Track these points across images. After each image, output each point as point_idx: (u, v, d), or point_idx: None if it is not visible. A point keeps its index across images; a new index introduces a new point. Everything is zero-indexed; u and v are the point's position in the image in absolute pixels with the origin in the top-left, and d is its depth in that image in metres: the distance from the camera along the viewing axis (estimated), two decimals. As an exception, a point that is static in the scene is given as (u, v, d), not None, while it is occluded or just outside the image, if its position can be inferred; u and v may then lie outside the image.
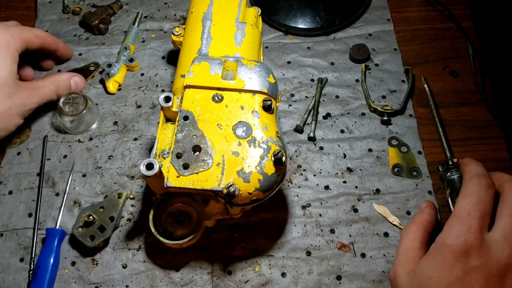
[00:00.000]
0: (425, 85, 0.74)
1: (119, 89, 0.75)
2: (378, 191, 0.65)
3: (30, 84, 0.66)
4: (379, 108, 0.71)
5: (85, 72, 0.76)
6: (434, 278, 0.43)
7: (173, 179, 0.50)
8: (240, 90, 0.52)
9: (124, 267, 0.60)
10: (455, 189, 0.63)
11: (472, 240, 0.43)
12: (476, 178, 0.48)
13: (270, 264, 0.60)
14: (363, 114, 0.72)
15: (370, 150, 0.69)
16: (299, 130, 0.70)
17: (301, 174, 0.66)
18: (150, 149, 0.68)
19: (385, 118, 0.71)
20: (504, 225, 0.45)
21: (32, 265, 0.60)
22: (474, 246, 0.43)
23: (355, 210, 0.64)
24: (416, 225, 0.51)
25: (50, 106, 0.70)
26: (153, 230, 0.56)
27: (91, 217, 0.60)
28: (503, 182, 0.49)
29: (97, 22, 0.80)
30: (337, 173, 0.67)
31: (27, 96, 0.64)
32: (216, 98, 0.52)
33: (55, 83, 0.68)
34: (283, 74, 0.76)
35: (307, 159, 0.68)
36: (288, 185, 0.66)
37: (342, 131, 0.70)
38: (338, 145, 0.69)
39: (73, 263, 0.61)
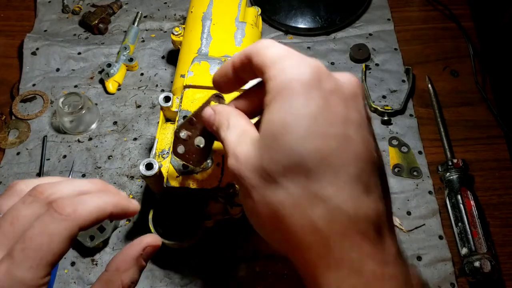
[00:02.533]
0: (429, 85, 0.74)
1: (118, 89, 0.75)
2: (378, 191, 0.65)
3: None
4: (379, 108, 0.71)
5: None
6: (291, 119, 0.32)
7: (173, 179, 0.49)
8: (240, 90, 0.52)
9: (124, 267, 0.60)
10: (454, 189, 0.63)
11: (317, 63, 0.34)
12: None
13: (270, 264, 0.60)
14: (363, 114, 0.72)
15: (370, 150, 0.68)
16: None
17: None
18: (150, 149, 0.68)
19: (385, 118, 0.70)
20: None
21: (31, 266, 0.59)
22: (322, 68, 0.34)
23: (356, 210, 0.63)
24: (226, 112, 0.39)
25: (50, 107, 0.70)
26: (152, 230, 0.56)
27: (90, 218, 0.60)
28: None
29: (96, 21, 0.80)
30: (337, 173, 0.66)
31: None
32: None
33: (120, 279, 0.37)
34: (283, 74, 0.76)
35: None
36: (288, 185, 0.65)
37: (342, 131, 0.70)
38: (338, 145, 0.69)
39: (73, 264, 0.60)
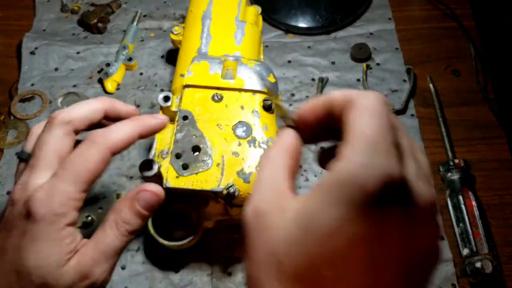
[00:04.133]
0: (430, 85, 0.73)
1: (117, 89, 0.74)
2: (379, 191, 0.65)
3: (85, 251, 0.41)
4: (380, 108, 0.70)
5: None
6: (337, 229, 0.26)
7: (173, 179, 0.49)
8: (240, 90, 0.52)
9: (123, 268, 0.60)
10: (455, 189, 0.62)
11: (397, 175, 0.26)
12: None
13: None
14: (364, 114, 0.71)
15: (371, 150, 0.68)
16: (299, 130, 0.69)
17: (302, 174, 0.66)
18: (149, 149, 0.68)
19: (386, 118, 0.70)
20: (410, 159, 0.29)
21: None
22: (395, 182, 0.26)
23: (356, 211, 0.63)
24: (278, 150, 0.34)
25: (48, 107, 0.70)
26: (152, 231, 0.56)
27: (89, 218, 0.60)
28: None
29: (95, 21, 0.79)
30: (338, 174, 0.66)
31: (84, 274, 0.41)
32: (216, 98, 0.51)
33: (113, 222, 0.43)
34: (284, 74, 0.75)
35: (307, 160, 0.67)
36: (289, 186, 0.65)
37: (343, 131, 0.70)
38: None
39: (71, 264, 0.60)
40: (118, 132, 0.43)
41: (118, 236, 0.42)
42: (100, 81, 0.75)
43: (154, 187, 0.43)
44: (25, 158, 0.44)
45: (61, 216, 0.40)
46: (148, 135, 0.45)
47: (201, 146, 0.49)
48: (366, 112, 0.28)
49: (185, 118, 0.50)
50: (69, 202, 0.40)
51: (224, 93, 0.52)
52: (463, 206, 0.61)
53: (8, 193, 0.65)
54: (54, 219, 0.39)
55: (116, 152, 0.43)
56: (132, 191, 0.43)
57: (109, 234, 0.42)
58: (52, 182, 0.41)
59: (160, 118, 0.45)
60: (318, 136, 0.35)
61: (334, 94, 0.31)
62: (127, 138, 0.43)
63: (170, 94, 0.54)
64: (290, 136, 0.35)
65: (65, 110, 0.44)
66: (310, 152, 0.67)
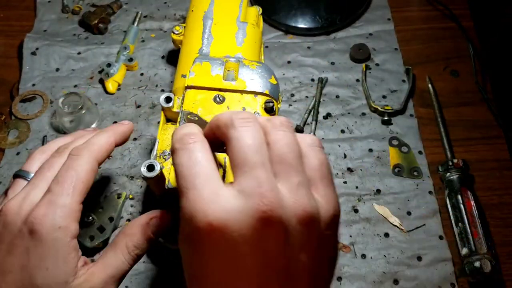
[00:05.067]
0: (429, 85, 0.74)
1: (118, 89, 0.75)
2: (378, 191, 0.65)
3: (94, 271, 0.42)
4: (379, 108, 0.71)
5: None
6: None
7: (174, 180, 0.49)
8: (241, 91, 0.52)
9: (125, 268, 0.60)
10: (454, 189, 0.63)
11: (207, 219, 0.31)
12: (177, 142, 0.36)
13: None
14: (363, 114, 0.72)
15: (370, 150, 0.68)
16: (299, 130, 0.70)
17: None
18: (150, 149, 0.68)
19: (385, 118, 0.70)
20: (238, 178, 0.33)
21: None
22: (211, 225, 0.30)
23: (356, 211, 0.64)
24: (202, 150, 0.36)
25: (49, 107, 0.70)
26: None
27: (90, 218, 0.60)
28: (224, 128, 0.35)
29: (96, 21, 0.79)
30: (337, 174, 0.66)
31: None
32: (218, 99, 0.51)
33: (125, 247, 0.44)
34: (283, 74, 0.76)
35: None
36: (289, 186, 0.65)
37: (342, 131, 0.70)
38: (339, 145, 0.69)
39: (73, 264, 0.60)
40: (99, 143, 0.46)
41: (128, 260, 0.44)
42: (101, 82, 0.75)
43: (161, 214, 0.46)
44: (24, 176, 0.46)
45: (64, 230, 0.41)
46: (122, 142, 0.49)
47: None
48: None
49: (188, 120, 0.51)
50: (71, 215, 0.42)
51: (226, 94, 0.52)
52: (462, 206, 0.61)
53: (10, 193, 0.65)
54: (59, 234, 0.40)
55: (101, 161, 0.46)
56: (143, 216, 0.45)
57: (120, 258, 0.43)
58: (49, 197, 0.42)
59: (125, 123, 0.50)
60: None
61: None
62: (107, 146, 0.47)
63: (171, 95, 0.54)
64: (200, 133, 0.37)
65: (91, 146, 0.46)
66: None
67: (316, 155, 0.36)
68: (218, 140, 0.36)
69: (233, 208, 0.31)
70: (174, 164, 0.35)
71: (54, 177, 0.43)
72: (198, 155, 0.34)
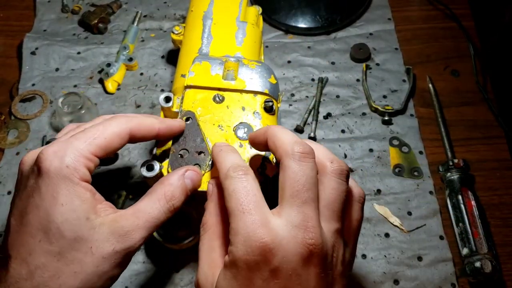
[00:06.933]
0: (430, 85, 0.74)
1: (118, 89, 0.75)
2: (379, 191, 0.65)
3: (123, 214, 0.41)
4: (380, 108, 0.71)
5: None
6: None
7: None
8: (241, 91, 0.52)
9: (124, 268, 0.60)
10: (455, 189, 0.63)
11: (263, 241, 0.35)
12: (232, 171, 0.39)
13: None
14: (364, 114, 0.72)
15: (371, 150, 0.68)
16: (299, 130, 0.70)
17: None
18: (149, 149, 0.68)
19: (386, 118, 0.70)
20: (288, 207, 0.37)
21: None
22: (266, 246, 0.35)
23: (356, 211, 0.63)
24: (212, 218, 0.42)
25: (49, 107, 0.70)
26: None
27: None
28: (278, 148, 0.40)
29: (96, 21, 0.79)
30: (338, 174, 0.66)
31: (122, 233, 0.40)
32: (217, 99, 0.51)
33: (163, 195, 0.43)
34: (284, 74, 0.76)
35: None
36: (289, 186, 0.65)
37: (342, 131, 0.70)
38: (339, 145, 0.69)
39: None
40: (141, 118, 0.46)
41: (164, 209, 0.43)
42: (101, 81, 0.75)
43: (195, 168, 0.46)
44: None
45: (72, 170, 0.40)
46: (166, 135, 0.48)
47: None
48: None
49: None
50: (80, 158, 0.40)
51: (225, 94, 0.52)
52: (462, 206, 0.61)
53: (9, 193, 0.65)
54: (67, 172, 0.39)
55: (133, 136, 0.45)
56: (179, 169, 0.45)
57: (157, 206, 0.42)
58: (65, 138, 0.42)
59: (177, 120, 0.49)
60: None
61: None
62: (148, 126, 0.46)
63: (171, 95, 0.54)
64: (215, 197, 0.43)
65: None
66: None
67: (359, 213, 0.42)
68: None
69: (284, 235, 0.35)
70: (227, 188, 0.38)
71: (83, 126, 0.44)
72: (253, 185, 0.38)
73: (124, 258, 0.40)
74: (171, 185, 0.43)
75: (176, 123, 0.48)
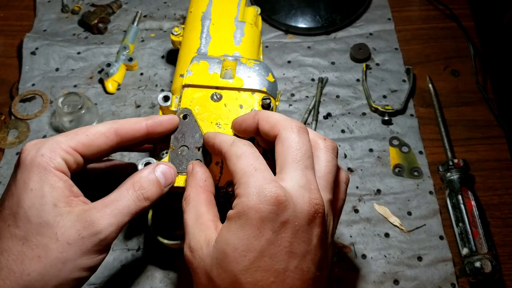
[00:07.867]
0: (430, 85, 0.74)
1: (118, 89, 0.75)
2: (379, 191, 0.65)
3: (92, 205, 0.42)
4: (380, 108, 0.71)
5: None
6: (241, 248, 0.36)
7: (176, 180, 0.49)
8: (239, 89, 0.52)
9: (124, 267, 0.60)
10: (455, 189, 0.63)
11: (277, 192, 0.36)
12: (238, 141, 0.42)
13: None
14: (364, 114, 0.71)
15: (371, 150, 0.68)
16: (299, 130, 0.70)
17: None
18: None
19: (386, 118, 0.70)
20: (292, 171, 0.39)
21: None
22: (280, 197, 0.36)
23: (356, 211, 0.63)
24: (193, 189, 0.44)
25: (49, 107, 0.70)
26: (152, 230, 0.56)
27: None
28: (274, 124, 0.42)
29: (96, 21, 0.79)
30: (337, 173, 0.66)
31: (89, 220, 0.40)
32: (215, 97, 0.51)
33: (131, 185, 0.44)
34: (284, 74, 0.76)
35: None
36: (288, 185, 0.65)
37: (342, 131, 0.70)
38: (339, 145, 0.68)
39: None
40: (127, 118, 0.47)
41: (133, 197, 0.43)
42: (101, 81, 0.75)
43: (170, 164, 0.47)
44: None
45: (47, 158, 0.41)
46: (156, 131, 0.48)
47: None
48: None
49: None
50: (57, 149, 0.42)
51: (223, 92, 0.52)
52: (462, 206, 0.61)
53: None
54: (41, 160, 0.41)
55: (121, 135, 0.45)
56: (150, 165, 0.46)
57: (125, 196, 0.43)
58: (51, 137, 0.44)
59: (166, 116, 0.49)
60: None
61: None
62: (134, 123, 0.47)
63: (169, 94, 0.54)
64: (200, 172, 0.45)
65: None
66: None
67: (344, 194, 0.46)
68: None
69: (292, 193, 0.37)
70: (236, 152, 0.40)
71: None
72: (259, 154, 0.41)
73: (92, 246, 0.40)
74: (140, 177, 0.44)
75: (165, 118, 0.49)
